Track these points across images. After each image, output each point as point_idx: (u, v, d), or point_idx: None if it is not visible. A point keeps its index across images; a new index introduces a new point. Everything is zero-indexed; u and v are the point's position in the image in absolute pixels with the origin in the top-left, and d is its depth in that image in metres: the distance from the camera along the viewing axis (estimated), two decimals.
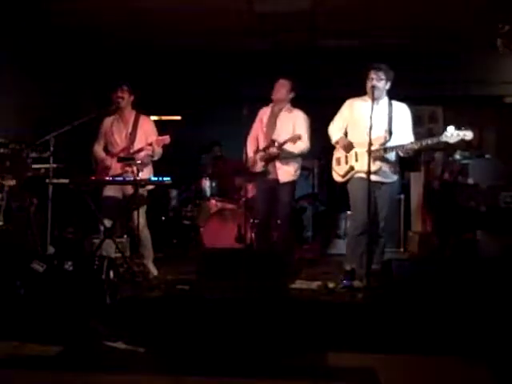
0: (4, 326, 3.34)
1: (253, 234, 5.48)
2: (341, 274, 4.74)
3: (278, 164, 5.13)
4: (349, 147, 4.65)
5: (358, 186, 4.56)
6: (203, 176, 6.67)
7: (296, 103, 5.25)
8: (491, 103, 7.60)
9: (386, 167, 4.59)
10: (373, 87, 4.47)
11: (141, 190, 4.76)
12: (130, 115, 5.07)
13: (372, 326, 3.46)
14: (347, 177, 4.70)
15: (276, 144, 5.03)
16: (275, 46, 7.21)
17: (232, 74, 7.76)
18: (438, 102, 7.97)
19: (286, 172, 5.14)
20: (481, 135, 7.31)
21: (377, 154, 4.49)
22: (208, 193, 6.53)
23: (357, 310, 4.00)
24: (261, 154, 5.18)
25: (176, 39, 6.96)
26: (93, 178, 4.82)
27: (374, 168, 4.44)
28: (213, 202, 6.30)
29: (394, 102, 4.69)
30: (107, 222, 4.80)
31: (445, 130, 4.31)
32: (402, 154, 4.58)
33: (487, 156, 6.45)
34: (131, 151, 4.91)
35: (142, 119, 5.08)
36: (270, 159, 5.13)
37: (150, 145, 4.84)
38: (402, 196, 6.87)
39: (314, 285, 4.78)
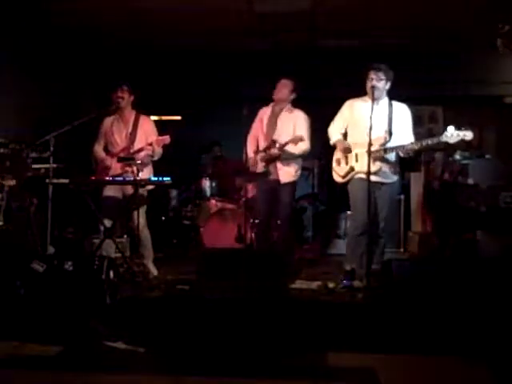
0: (4, 326, 3.34)
1: (253, 234, 5.48)
2: (341, 274, 4.74)
3: (278, 165, 5.13)
4: (346, 151, 4.66)
5: (358, 186, 4.56)
6: (203, 176, 6.67)
7: (296, 103, 5.25)
8: (491, 103, 7.60)
9: (386, 168, 4.59)
10: (373, 87, 4.47)
11: (141, 190, 4.76)
12: (130, 115, 5.07)
13: (372, 326, 3.46)
14: (347, 177, 4.70)
15: (277, 145, 5.03)
16: (275, 45, 7.21)
17: (232, 74, 7.76)
18: (438, 102, 7.97)
19: (286, 173, 5.14)
20: (481, 135, 7.31)
21: (377, 155, 4.49)
22: (208, 193, 6.53)
23: (357, 309, 4.00)
24: (261, 154, 5.18)
25: (176, 39, 6.96)
26: (93, 178, 4.81)
27: (374, 168, 4.44)
28: (213, 202, 6.30)
29: (395, 103, 4.68)
30: (107, 222, 4.80)
31: (445, 130, 4.31)
32: (402, 155, 4.58)
33: (487, 156, 6.46)
34: (131, 151, 4.91)
35: (142, 119, 5.08)
36: (270, 160, 5.13)
37: (150, 145, 4.84)
38: (402, 196, 6.87)
39: (314, 285, 4.78)
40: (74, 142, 5.35)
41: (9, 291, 3.76)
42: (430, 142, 4.41)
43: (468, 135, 4.24)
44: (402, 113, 4.68)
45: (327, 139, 4.87)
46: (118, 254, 4.85)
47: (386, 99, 4.66)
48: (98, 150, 5.10)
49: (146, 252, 5.05)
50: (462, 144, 4.49)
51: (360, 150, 4.55)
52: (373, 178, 4.41)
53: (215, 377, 2.75)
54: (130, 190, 4.84)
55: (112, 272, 3.96)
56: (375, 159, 4.48)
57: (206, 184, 6.56)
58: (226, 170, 6.68)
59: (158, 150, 4.93)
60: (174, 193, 7.04)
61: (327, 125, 4.86)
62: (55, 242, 5.03)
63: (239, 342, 3.21)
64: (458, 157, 6.18)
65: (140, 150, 4.88)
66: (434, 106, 8.00)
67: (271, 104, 5.30)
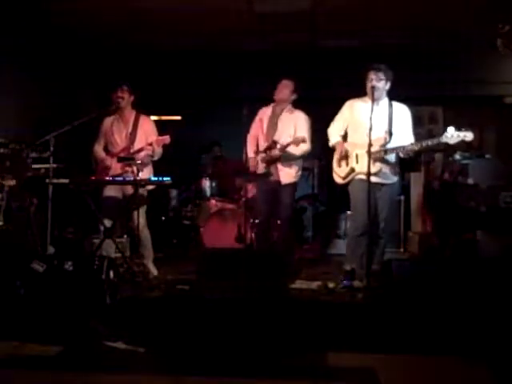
0: (4, 326, 3.34)
1: (253, 234, 5.48)
2: (341, 274, 4.74)
3: (279, 166, 5.13)
4: (344, 155, 4.65)
5: (358, 187, 4.55)
6: (203, 176, 6.67)
7: (296, 103, 5.25)
8: (491, 103, 7.60)
9: (386, 169, 4.59)
10: (373, 88, 4.46)
11: (141, 190, 4.76)
12: (130, 115, 5.07)
13: (372, 326, 3.46)
14: (348, 179, 4.69)
15: (278, 146, 5.03)
16: (275, 46, 7.21)
17: (232, 74, 7.76)
18: (438, 102, 7.97)
19: (287, 174, 5.15)
20: (481, 135, 7.31)
21: (377, 156, 4.49)
22: (208, 193, 6.53)
23: (357, 309, 4.00)
24: (262, 155, 5.17)
25: (176, 39, 6.96)
26: (93, 178, 4.82)
27: (374, 169, 4.44)
28: (213, 202, 6.30)
29: (395, 103, 4.68)
30: (107, 222, 4.80)
31: (445, 130, 4.30)
32: (402, 156, 4.57)
33: (487, 156, 6.45)
34: (131, 151, 4.91)
35: (142, 119, 5.08)
36: (271, 161, 5.13)
37: (150, 145, 4.84)
38: (402, 197, 6.87)
39: (314, 285, 4.78)
40: (74, 142, 5.35)
41: (9, 291, 3.76)
42: (430, 142, 4.41)
43: (468, 136, 4.24)
44: (402, 113, 4.68)
45: (327, 139, 4.87)
46: (118, 254, 4.85)
47: (386, 100, 4.66)
48: (98, 149, 5.10)
49: (146, 252, 5.05)
50: (462, 144, 4.49)
51: (360, 151, 4.54)
52: (373, 179, 4.41)
53: (215, 377, 2.75)
54: (130, 190, 4.84)
55: (112, 272, 3.96)
56: (375, 160, 4.48)
57: (206, 184, 6.56)
58: (226, 169, 6.68)
59: (158, 150, 4.93)
60: (174, 193, 7.04)
61: (327, 125, 4.86)
62: (55, 242, 5.03)
63: (239, 342, 3.21)
64: (457, 157, 6.18)
65: (140, 150, 4.88)
66: (433, 106, 8.00)
67: (271, 104, 5.30)
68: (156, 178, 4.74)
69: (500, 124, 7.68)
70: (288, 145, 4.99)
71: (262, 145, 5.22)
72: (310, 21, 6.36)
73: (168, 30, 6.62)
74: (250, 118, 5.22)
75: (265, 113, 5.31)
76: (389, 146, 4.53)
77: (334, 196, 6.87)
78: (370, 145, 4.30)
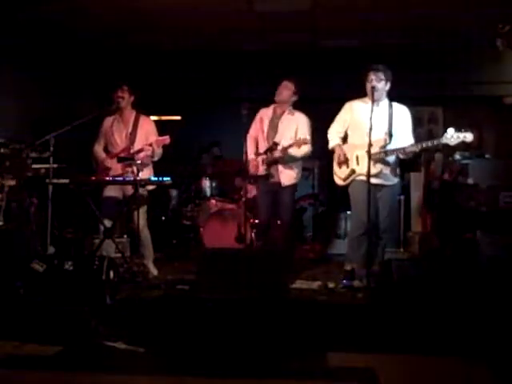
0: (4, 326, 3.34)
1: (253, 234, 5.48)
2: (341, 274, 4.75)
3: (280, 167, 5.13)
4: (343, 160, 4.65)
5: (359, 188, 4.54)
6: (203, 176, 6.67)
7: (296, 103, 5.24)
8: (491, 103, 7.60)
9: (386, 170, 4.59)
10: (373, 88, 4.46)
11: (141, 190, 4.76)
12: (130, 115, 5.07)
13: (372, 326, 3.46)
14: (348, 180, 4.69)
15: (279, 147, 5.02)
16: (275, 46, 7.21)
17: (232, 74, 7.76)
18: (438, 102, 7.97)
19: (288, 175, 5.14)
20: (481, 135, 7.31)
21: (377, 157, 4.49)
22: (208, 193, 6.53)
23: (357, 310, 4.00)
24: (263, 156, 5.16)
25: (176, 39, 6.96)
26: (93, 178, 4.82)
27: (374, 171, 4.44)
28: (213, 202, 6.29)
29: (395, 104, 4.68)
30: (107, 222, 4.80)
31: (445, 131, 4.30)
32: (402, 157, 4.57)
33: (487, 156, 6.46)
34: (131, 151, 4.91)
35: (143, 119, 5.08)
36: (272, 162, 5.13)
37: (150, 145, 4.83)
38: (402, 197, 6.86)
39: (314, 285, 4.79)
40: (74, 142, 5.35)
41: (9, 291, 3.76)
42: (430, 144, 4.41)
43: (468, 137, 4.24)
44: (402, 114, 4.67)
45: (327, 140, 4.87)
46: (118, 254, 4.86)
47: (386, 101, 4.65)
48: (98, 150, 5.09)
49: (146, 252, 5.06)
50: (462, 145, 4.49)
51: (360, 152, 4.53)
52: (374, 180, 4.41)
53: (215, 377, 2.75)
54: (130, 190, 4.83)
55: (112, 272, 3.97)
56: (376, 161, 4.48)
57: (206, 184, 6.56)
58: (226, 170, 6.68)
59: (158, 151, 4.93)
60: (174, 193, 7.04)
61: (327, 125, 4.86)
62: (55, 242, 5.03)
63: (239, 343, 3.21)
64: (457, 157, 6.18)
65: (140, 150, 4.88)
66: (433, 106, 7.99)
67: (272, 105, 5.28)
68: (156, 178, 4.75)
69: (500, 124, 7.68)
70: (289, 146, 4.99)
71: (262, 146, 5.22)
72: (310, 21, 6.36)
73: (168, 30, 6.62)
74: (250, 118, 5.21)
75: (265, 113, 5.29)
76: (389, 147, 4.53)
77: (334, 196, 6.87)
78: (370, 145, 4.30)
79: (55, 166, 4.66)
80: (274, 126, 5.20)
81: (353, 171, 4.64)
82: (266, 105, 5.32)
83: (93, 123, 5.02)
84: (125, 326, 3.48)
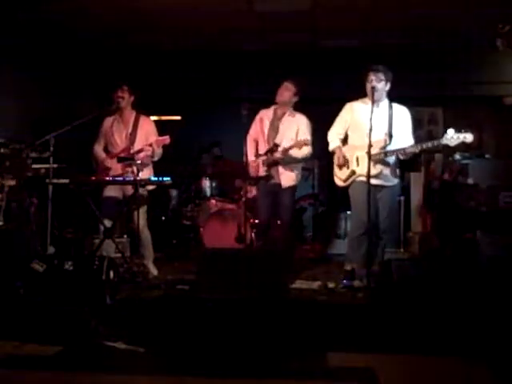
0: (4, 326, 3.34)
1: (253, 234, 5.48)
2: (341, 274, 4.75)
3: (280, 169, 5.13)
4: (343, 163, 4.65)
5: (359, 189, 4.54)
6: (203, 176, 6.67)
7: (296, 103, 5.23)
8: (491, 103, 7.60)
9: (386, 171, 4.59)
10: (373, 88, 4.45)
11: (141, 190, 4.76)
12: (130, 115, 5.07)
13: (372, 326, 3.46)
14: (349, 181, 4.69)
15: (280, 149, 5.02)
16: (275, 46, 7.20)
17: (232, 74, 7.76)
18: (438, 102, 7.97)
19: (288, 177, 5.14)
20: (481, 135, 7.31)
21: (377, 158, 4.49)
22: (208, 193, 6.53)
23: (357, 310, 4.00)
24: (263, 158, 5.16)
25: (176, 39, 6.96)
26: (93, 178, 4.82)
27: (374, 172, 4.44)
28: (213, 202, 6.29)
29: (395, 105, 4.68)
30: (107, 222, 4.80)
31: (445, 132, 4.30)
32: (402, 157, 4.57)
33: (487, 156, 6.46)
34: (131, 152, 4.91)
35: (143, 119, 5.08)
36: (272, 164, 5.13)
37: (150, 145, 4.83)
38: (402, 197, 6.87)
39: (314, 285, 4.79)
40: (74, 142, 5.35)
41: (9, 291, 3.76)
42: (430, 144, 4.41)
43: (468, 137, 4.24)
44: (402, 115, 4.67)
45: (327, 140, 4.86)
46: (118, 254, 4.85)
47: (386, 101, 4.65)
48: (98, 150, 5.10)
49: (146, 252, 5.06)
50: (462, 145, 4.49)
51: (360, 153, 4.53)
52: (374, 181, 4.41)
53: (215, 377, 2.75)
54: (130, 190, 4.83)
55: (112, 272, 3.97)
56: (376, 162, 4.48)
57: (206, 184, 6.56)
58: (226, 170, 6.67)
59: (158, 151, 4.93)
60: (174, 193, 7.04)
61: (327, 125, 4.86)
62: (55, 242, 5.03)
63: (239, 343, 3.21)
64: (457, 157, 6.18)
65: (140, 150, 4.88)
66: (433, 107, 7.99)
67: (272, 106, 5.27)
68: (156, 178, 4.75)
69: (500, 124, 7.68)
70: (290, 148, 4.99)
71: (262, 147, 5.21)
72: (310, 21, 6.36)
73: (168, 30, 6.62)
74: (250, 118, 5.21)
75: (266, 114, 5.28)
76: (389, 147, 4.53)
77: (334, 196, 6.86)
78: (370, 146, 4.30)
79: (55, 166, 4.66)
80: (274, 128, 5.19)
81: (353, 172, 4.64)
82: (266, 105, 5.32)
83: (93, 123, 5.02)
84: (125, 326, 3.48)
